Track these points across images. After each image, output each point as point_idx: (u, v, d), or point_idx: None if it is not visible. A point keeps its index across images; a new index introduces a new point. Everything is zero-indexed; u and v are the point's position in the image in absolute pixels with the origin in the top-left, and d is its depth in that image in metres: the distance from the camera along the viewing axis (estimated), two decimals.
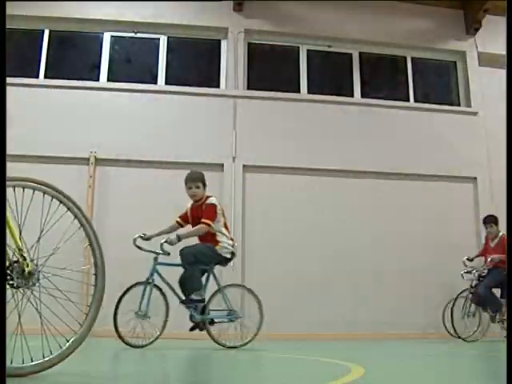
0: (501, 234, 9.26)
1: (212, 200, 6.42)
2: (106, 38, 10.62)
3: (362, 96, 11.08)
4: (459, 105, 11.43)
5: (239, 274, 9.53)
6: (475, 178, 10.75)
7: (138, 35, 10.75)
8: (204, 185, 6.48)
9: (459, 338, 8.81)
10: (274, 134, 10.26)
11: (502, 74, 10.53)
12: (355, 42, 11.23)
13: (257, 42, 11.10)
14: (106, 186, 9.57)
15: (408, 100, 11.26)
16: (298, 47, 11.17)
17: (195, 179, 6.46)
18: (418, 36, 11.37)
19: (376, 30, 11.16)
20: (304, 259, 9.76)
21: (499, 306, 8.91)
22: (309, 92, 10.90)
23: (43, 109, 9.70)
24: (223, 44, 10.89)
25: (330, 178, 10.23)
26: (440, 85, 12.00)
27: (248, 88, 10.70)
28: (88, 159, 9.59)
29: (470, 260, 9.34)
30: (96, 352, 5.68)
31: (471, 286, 9.72)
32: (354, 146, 10.45)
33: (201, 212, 6.37)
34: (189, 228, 6.57)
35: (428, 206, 10.45)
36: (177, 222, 6.70)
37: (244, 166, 10.03)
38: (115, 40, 10.71)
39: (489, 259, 8.95)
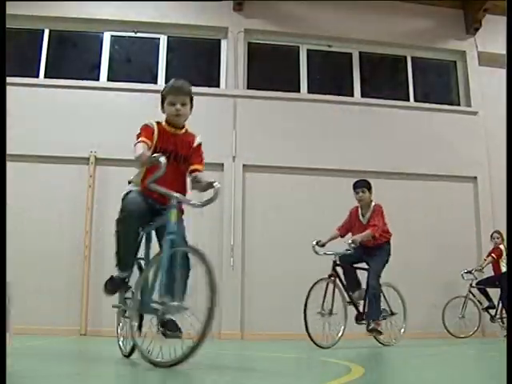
0: (373, 204, 7.44)
1: (201, 140, 4.63)
2: (106, 37, 10.62)
3: (362, 96, 11.08)
4: (459, 104, 11.43)
5: (239, 273, 9.53)
6: (475, 178, 10.75)
7: (138, 35, 10.75)
8: (192, 105, 4.60)
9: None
10: (274, 133, 10.25)
11: (502, 73, 10.53)
12: (355, 41, 11.22)
13: (257, 41, 11.10)
14: (106, 186, 9.56)
15: (408, 99, 11.26)
16: (298, 47, 11.17)
17: (186, 92, 4.54)
18: (418, 36, 11.36)
19: (376, 30, 11.15)
20: (304, 259, 9.72)
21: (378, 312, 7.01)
22: (309, 92, 10.90)
23: (43, 108, 9.70)
24: (223, 44, 10.89)
25: (330, 178, 10.21)
26: (440, 84, 12.00)
27: (248, 88, 10.69)
28: (88, 159, 9.59)
29: (322, 245, 7.18)
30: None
31: (471, 286, 9.77)
32: (354, 146, 10.44)
33: (186, 149, 4.43)
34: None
35: (428, 205, 10.45)
36: (145, 142, 4.26)
37: (244, 165, 10.02)
38: (115, 39, 10.70)
39: (349, 240, 6.95)
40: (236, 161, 10.00)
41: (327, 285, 6.84)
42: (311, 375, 3.60)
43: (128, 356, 4.28)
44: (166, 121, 4.44)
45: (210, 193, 3.99)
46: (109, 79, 10.40)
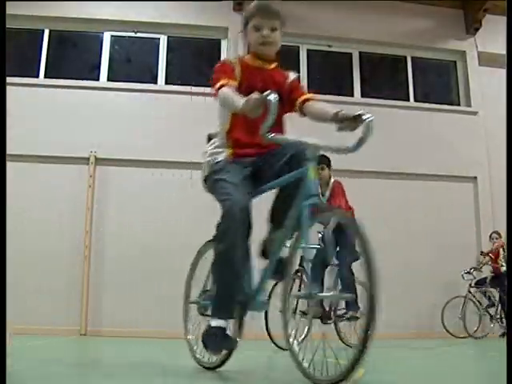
0: (332, 181, 6.92)
1: (296, 74, 3.77)
2: (106, 37, 10.62)
3: (362, 95, 11.07)
4: (459, 104, 11.42)
5: None
6: (475, 178, 10.75)
7: (138, 35, 10.75)
8: (282, 32, 3.71)
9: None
10: None
11: (502, 73, 10.52)
12: (355, 41, 11.21)
13: None
14: (106, 186, 9.57)
15: (408, 99, 11.25)
16: (298, 47, 11.17)
17: (276, 13, 3.66)
18: (418, 35, 11.35)
19: (376, 30, 11.14)
20: None
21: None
22: (309, 91, 10.86)
23: (43, 108, 9.70)
24: (223, 44, 10.88)
25: None
26: (440, 84, 12.00)
27: None
28: (88, 159, 9.59)
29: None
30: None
31: (470, 286, 9.78)
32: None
33: (278, 86, 3.44)
34: None
35: (428, 205, 10.44)
36: (230, 85, 3.21)
37: None
38: (115, 39, 10.70)
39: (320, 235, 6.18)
40: None
41: (293, 281, 5.96)
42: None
43: (215, 368, 3.52)
44: (251, 53, 3.50)
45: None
46: (109, 79, 10.39)
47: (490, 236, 9.98)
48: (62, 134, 9.61)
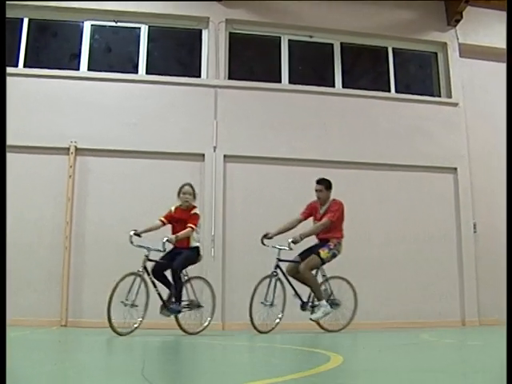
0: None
1: None
2: (87, 26, 10.52)
3: (343, 86, 11.08)
4: (440, 95, 11.47)
5: (220, 263, 9.53)
6: (455, 169, 10.81)
7: (119, 24, 10.67)
8: None
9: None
10: (255, 123, 10.25)
11: (483, 65, 10.62)
12: (337, 32, 11.21)
13: (238, 31, 11.05)
14: (87, 176, 9.51)
15: (389, 90, 11.28)
16: (280, 37, 11.14)
17: None
18: (399, 27, 11.38)
19: (357, 21, 11.15)
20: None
21: None
22: (290, 82, 10.89)
23: (22, 98, 9.59)
24: (204, 34, 10.84)
25: (311, 168, 10.21)
26: (421, 75, 12.05)
27: (229, 78, 10.66)
28: (68, 149, 9.52)
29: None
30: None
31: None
32: (334, 136, 10.46)
33: None
34: None
35: (408, 196, 10.50)
36: None
37: (225, 155, 10.01)
38: (95, 29, 10.61)
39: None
40: (217, 151, 9.98)
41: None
42: (293, 363, 3.62)
43: None
44: None
45: None
46: (89, 69, 10.31)
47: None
48: (41, 123, 9.54)
